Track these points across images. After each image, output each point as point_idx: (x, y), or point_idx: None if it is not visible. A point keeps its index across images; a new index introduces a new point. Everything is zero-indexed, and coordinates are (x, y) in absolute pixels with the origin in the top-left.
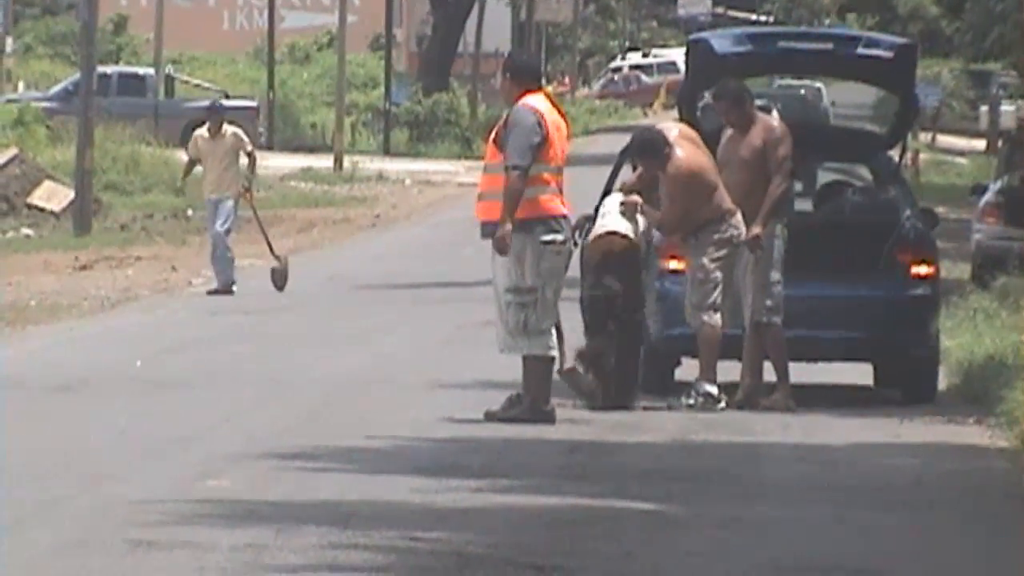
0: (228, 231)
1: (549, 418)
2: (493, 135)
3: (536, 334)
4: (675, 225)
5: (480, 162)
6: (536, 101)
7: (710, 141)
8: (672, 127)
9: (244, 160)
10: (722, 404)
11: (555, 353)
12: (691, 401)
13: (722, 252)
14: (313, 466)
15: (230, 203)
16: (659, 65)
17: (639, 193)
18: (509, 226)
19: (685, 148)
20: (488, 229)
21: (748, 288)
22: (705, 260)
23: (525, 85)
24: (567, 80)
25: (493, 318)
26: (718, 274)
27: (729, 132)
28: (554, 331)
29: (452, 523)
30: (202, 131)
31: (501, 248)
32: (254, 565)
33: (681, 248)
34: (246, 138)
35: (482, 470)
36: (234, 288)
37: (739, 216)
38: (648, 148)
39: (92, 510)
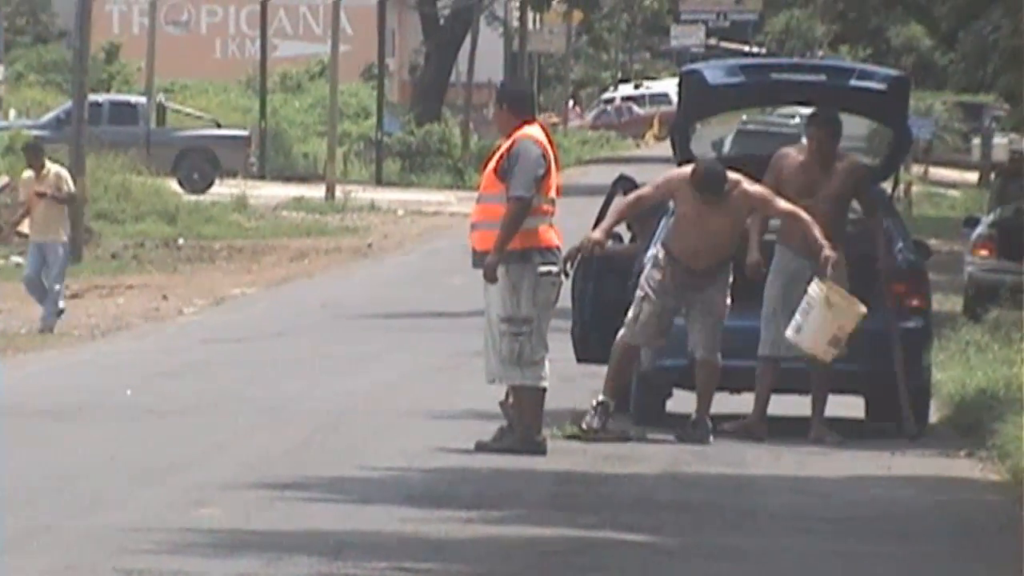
0: (58, 291)
1: (540, 449)
2: (494, 165)
3: (529, 365)
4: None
5: (472, 192)
6: (537, 133)
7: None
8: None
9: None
10: (711, 438)
11: (547, 384)
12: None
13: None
14: (304, 495)
15: (60, 251)
16: (651, 96)
17: (630, 227)
18: (497, 257)
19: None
20: (483, 259)
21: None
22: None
23: (522, 115)
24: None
25: (481, 348)
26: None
27: (798, 161)
28: (546, 363)
29: (443, 553)
30: (30, 172)
31: (490, 277)
32: None
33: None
34: (68, 177)
35: (473, 500)
36: (53, 329)
37: None
38: (713, 180)
39: (82, 537)
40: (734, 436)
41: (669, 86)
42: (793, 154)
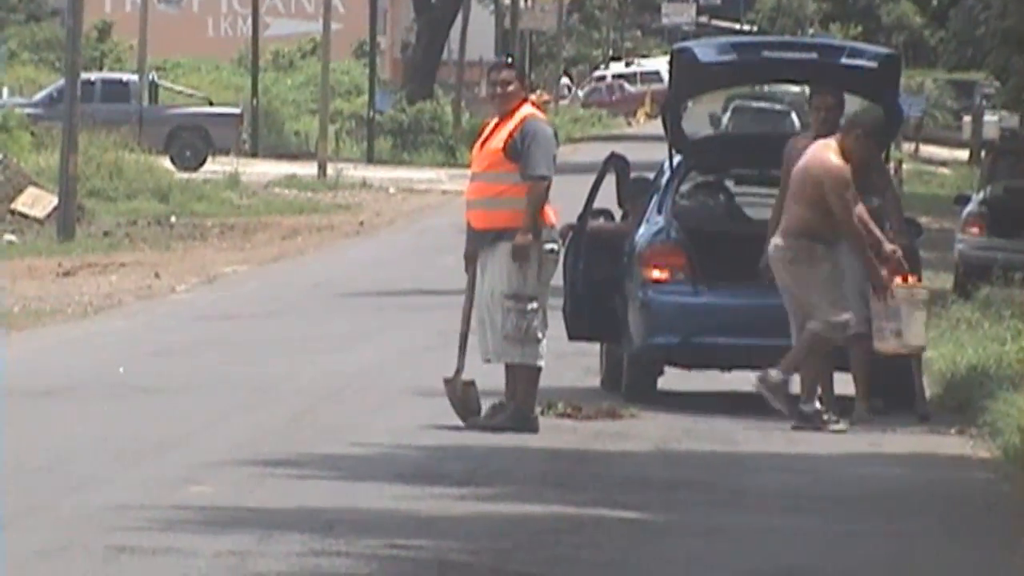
0: None
1: (533, 426)
2: (501, 144)
3: (532, 342)
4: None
5: (464, 170)
6: (541, 115)
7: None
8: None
9: None
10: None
11: (543, 363)
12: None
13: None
14: (296, 473)
15: None
16: (642, 74)
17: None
18: (531, 235)
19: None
20: (489, 236)
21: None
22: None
23: (526, 92)
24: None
25: (477, 325)
26: None
27: (804, 143)
28: (545, 341)
29: (435, 531)
30: None
31: (524, 256)
32: (236, 572)
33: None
34: None
35: (464, 478)
36: None
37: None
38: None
39: (75, 515)
40: (859, 425)
41: (660, 64)
42: (803, 140)
